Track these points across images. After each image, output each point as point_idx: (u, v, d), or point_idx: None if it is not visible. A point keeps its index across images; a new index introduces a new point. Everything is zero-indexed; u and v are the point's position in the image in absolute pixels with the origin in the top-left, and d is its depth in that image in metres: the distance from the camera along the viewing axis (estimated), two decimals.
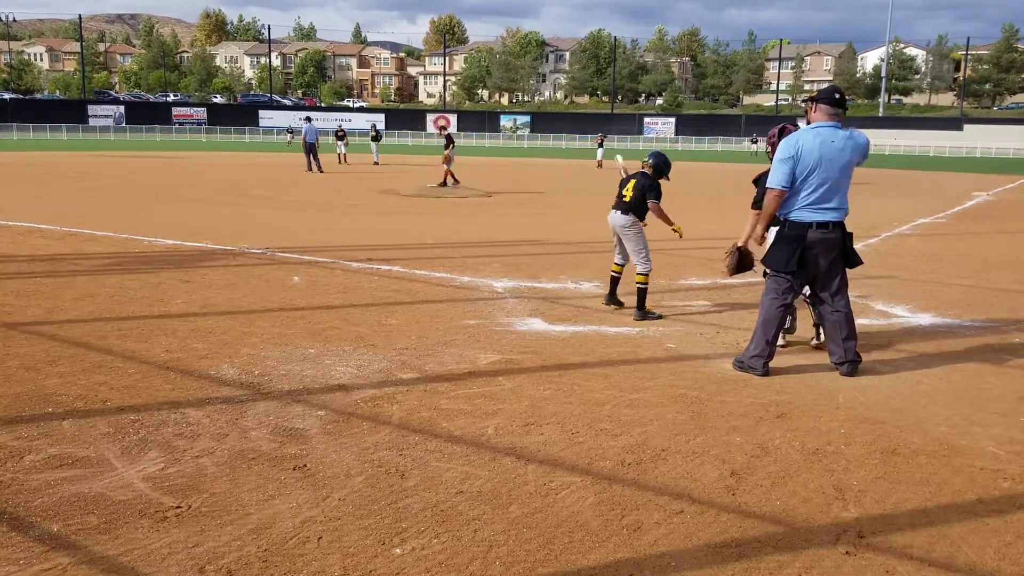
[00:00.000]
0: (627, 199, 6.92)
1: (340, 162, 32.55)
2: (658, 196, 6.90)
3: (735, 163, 44.58)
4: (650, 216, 7.01)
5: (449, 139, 21.98)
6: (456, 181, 21.13)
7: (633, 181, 6.98)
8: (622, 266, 7.23)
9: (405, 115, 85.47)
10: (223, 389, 4.78)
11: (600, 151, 40.87)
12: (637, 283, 6.83)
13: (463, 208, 16.98)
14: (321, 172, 26.36)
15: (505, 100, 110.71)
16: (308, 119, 30.17)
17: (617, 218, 6.97)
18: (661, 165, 7.02)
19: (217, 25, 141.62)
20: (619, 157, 8.59)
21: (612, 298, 7.23)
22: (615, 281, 7.26)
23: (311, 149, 27.32)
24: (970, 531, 3.26)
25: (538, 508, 3.36)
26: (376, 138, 34.76)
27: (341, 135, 33.71)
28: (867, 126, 68.98)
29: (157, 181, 22.35)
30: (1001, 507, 3.49)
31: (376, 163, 33.12)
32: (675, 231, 7.15)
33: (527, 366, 5.38)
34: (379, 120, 78.50)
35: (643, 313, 6.81)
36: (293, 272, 8.62)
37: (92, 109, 75.82)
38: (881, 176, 30.24)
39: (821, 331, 6.00)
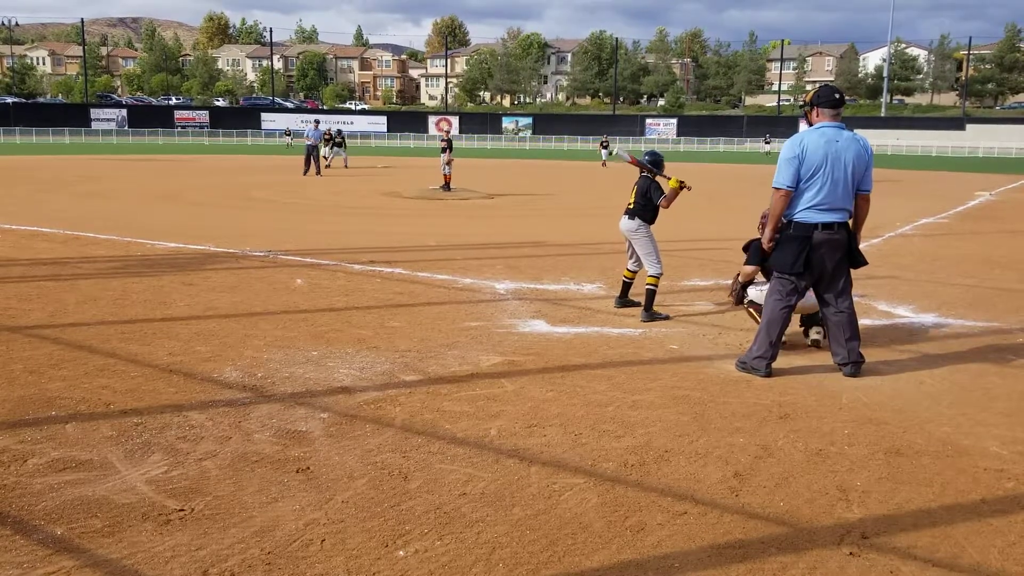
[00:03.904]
0: (632, 205, 7.00)
1: (344, 165, 32.49)
2: (661, 193, 6.98)
3: (737, 164, 44.56)
4: (662, 213, 7.10)
5: (449, 143, 22.01)
6: (448, 187, 21.09)
7: (635, 188, 7.07)
8: (634, 273, 7.27)
9: (407, 117, 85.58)
10: (226, 392, 4.79)
11: (604, 152, 41.26)
12: (647, 285, 6.87)
13: (465, 210, 16.99)
14: (319, 175, 26.36)
15: (507, 102, 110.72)
16: (316, 123, 29.88)
17: (625, 223, 7.07)
18: (658, 161, 7.16)
19: (220, 28, 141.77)
20: (617, 152, 8.73)
21: (623, 300, 7.27)
22: (626, 286, 7.31)
23: (312, 151, 27.34)
24: (974, 531, 3.25)
25: (541, 510, 3.36)
26: (340, 143, 33.60)
27: (339, 140, 33.44)
28: (869, 126, 69.22)
29: (159, 184, 22.39)
30: (1005, 507, 3.49)
31: (338, 167, 31.96)
32: (681, 185, 6.88)
33: (530, 368, 5.38)
34: (380, 122, 78.94)
35: (651, 314, 6.84)
36: (296, 275, 8.63)
37: (95, 112, 76.06)
38: (884, 176, 30.17)
39: (809, 331, 6.09)
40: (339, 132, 34.64)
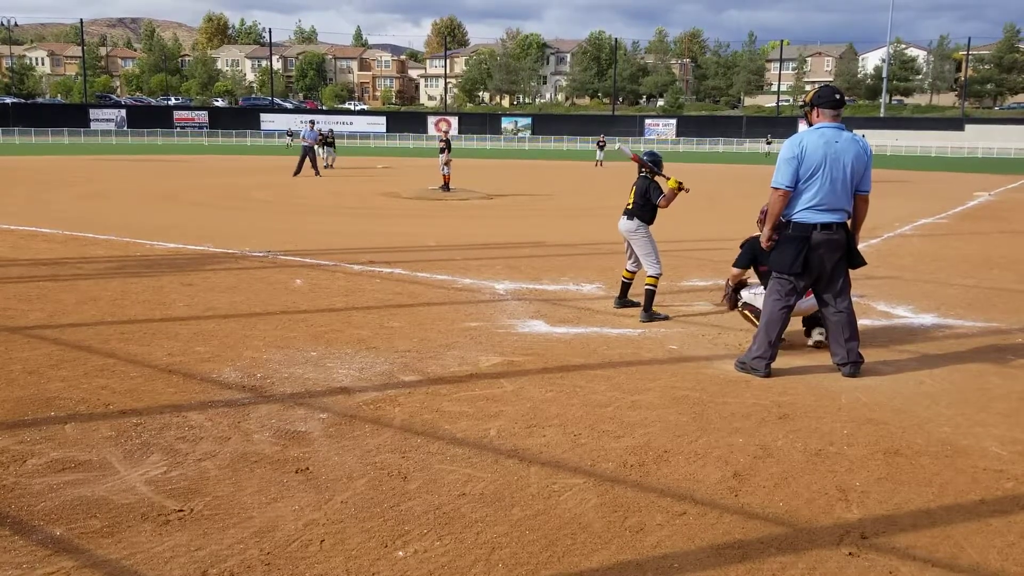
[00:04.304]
0: (630, 206, 7.00)
1: (332, 165, 32.34)
2: (660, 193, 6.99)
3: (736, 164, 44.58)
4: (661, 213, 7.11)
5: (448, 143, 22.01)
6: (447, 187, 21.08)
7: (634, 188, 7.06)
8: (633, 273, 7.28)
9: (406, 117, 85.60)
10: (225, 392, 4.79)
11: (600, 152, 41.28)
12: (646, 285, 6.88)
13: (464, 210, 16.99)
14: (318, 175, 26.36)
15: (506, 102, 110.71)
16: (312, 123, 29.86)
17: (624, 224, 7.08)
18: (658, 161, 7.17)
19: (219, 29, 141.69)
20: (620, 147, 8.69)
21: (622, 300, 7.28)
22: (626, 286, 7.32)
23: (308, 152, 27.29)
24: (973, 531, 3.26)
25: (541, 510, 3.36)
26: (330, 143, 33.30)
27: (330, 140, 33.33)
28: (868, 127, 69.18)
29: (159, 185, 22.38)
30: (1004, 507, 3.49)
31: (330, 166, 31.68)
32: (679, 186, 6.91)
33: (529, 368, 5.38)
34: (379, 122, 79.04)
35: (650, 315, 6.85)
36: (295, 275, 8.63)
37: (94, 113, 76.04)
38: (883, 176, 30.20)
39: (812, 331, 6.08)
40: (330, 131, 34.54)
